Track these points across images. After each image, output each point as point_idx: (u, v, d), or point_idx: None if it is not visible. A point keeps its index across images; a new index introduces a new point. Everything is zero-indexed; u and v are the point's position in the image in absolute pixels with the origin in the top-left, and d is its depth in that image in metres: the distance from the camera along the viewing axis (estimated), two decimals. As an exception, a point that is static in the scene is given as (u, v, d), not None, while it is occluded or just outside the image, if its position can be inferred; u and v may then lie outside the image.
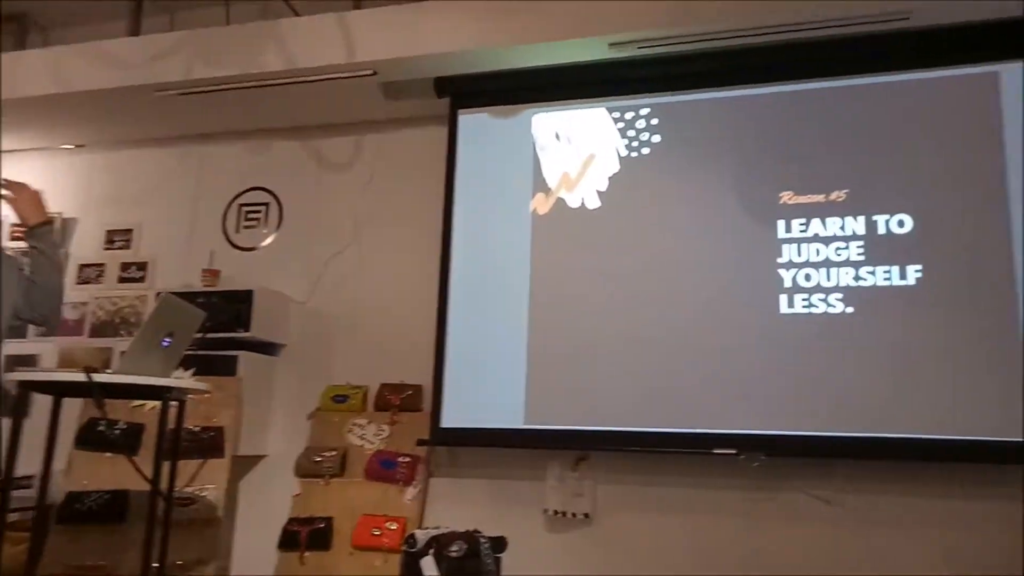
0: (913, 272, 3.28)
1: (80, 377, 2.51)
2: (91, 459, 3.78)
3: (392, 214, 4.25)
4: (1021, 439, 3.04)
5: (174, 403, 2.93)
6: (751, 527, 3.38)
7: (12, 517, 3.70)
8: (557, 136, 3.89)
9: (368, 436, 3.87)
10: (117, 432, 3.76)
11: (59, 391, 2.88)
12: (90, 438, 3.77)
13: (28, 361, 4.54)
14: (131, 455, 3.49)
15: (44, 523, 3.37)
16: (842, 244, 3.38)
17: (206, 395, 3.63)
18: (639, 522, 3.51)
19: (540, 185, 3.85)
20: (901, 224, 3.34)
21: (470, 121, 4.03)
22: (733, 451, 3.28)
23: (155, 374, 2.71)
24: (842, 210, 3.41)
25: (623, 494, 3.55)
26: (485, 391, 3.69)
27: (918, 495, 3.24)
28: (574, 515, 3.54)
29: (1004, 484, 3.16)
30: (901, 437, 3.16)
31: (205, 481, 3.70)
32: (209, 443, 3.77)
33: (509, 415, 3.63)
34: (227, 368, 3.92)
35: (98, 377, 2.53)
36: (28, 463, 2.83)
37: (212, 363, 3.87)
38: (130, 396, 3.45)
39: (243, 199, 4.53)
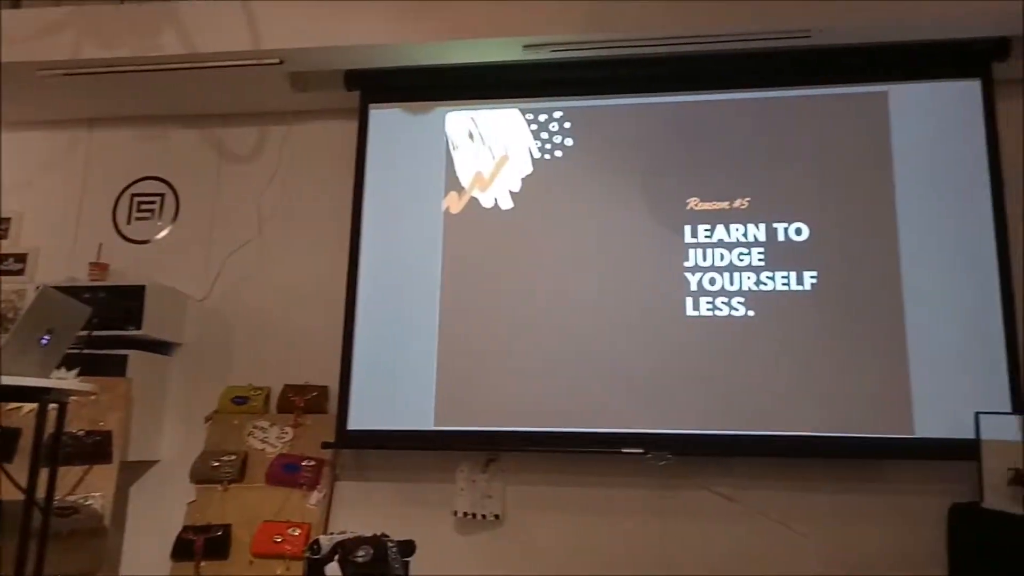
0: (809, 278, 3.41)
1: None
2: (-42, 467, 3.46)
3: (298, 209, 4.08)
4: (906, 436, 3.21)
5: (54, 405, 2.72)
6: (658, 524, 3.43)
7: None
8: (471, 135, 3.83)
9: (270, 439, 3.69)
10: (-11, 437, 3.45)
11: None
12: (-43, 444, 3.46)
13: None
14: (3, 462, 3.24)
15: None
16: (744, 250, 3.48)
17: (91, 397, 3.39)
18: (549, 522, 3.50)
19: (453, 184, 3.79)
20: (799, 232, 3.47)
21: (382, 116, 3.92)
22: (641, 450, 3.32)
23: (32, 374, 2.51)
24: (745, 217, 3.51)
25: (533, 495, 3.53)
26: (393, 392, 3.59)
27: (814, 490, 3.37)
28: (484, 517, 3.50)
29: (889, 479, 3.33)
30: (798, 435, 3.28)
31: (90, 489, 3.45)
32: (94, 448, 3.52)
33: (418, 416, 3.55)
34: (116, 368, 3.66)
35: None
36: None
37: (99, 363, 3.60)
38: (4, 398, 3.18)
39: (136, 189, 4.24)
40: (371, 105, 3.92)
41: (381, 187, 3.83)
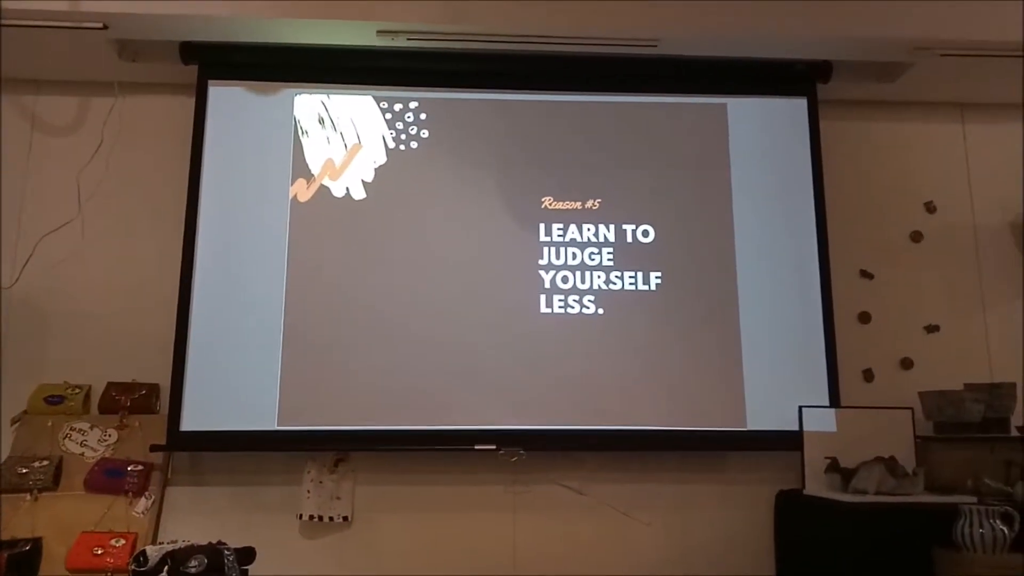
0: (654, 278, 3.40)
1: None
2: None
3: (126, 190, 3.55)
4: (739, 428, 3.28)
5: None
6: (510, 520, 3.31)
7: None
8: (321, 120, 3.49)
9: (91, 443, 3.20)
10: None
11: None
12: None
13: None
14: None
15: None
16: (595, 250, 3.41)
17: None
18: (402, 522, 3.28)
19: (301, 170, 3.44)
20: (646, 234, 3.44)
21: (223, 94, 3.48)
22: (493, 447, 3.17)
23: None
24: (596, 218, 3.44)
25: (384, 494, 3.29)
26: (233, 390, 3.21)
27: (658, 481, 3.38)
28: (332, 519, 3.21)
29: (727, 470, 3.40)
30: (644, 429, 3.26)
31: None
32: None
33: (261, 416, 3.19)
34: (-101, 363, 3.04)
35: None
36: None
37: None
38: None
39: (-74, 158, 3.55)
40: (211, 81, 3.47)
41: (221, 169, 3.41)
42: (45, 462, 3.13)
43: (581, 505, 3.34)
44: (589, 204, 3.46)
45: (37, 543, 3.01)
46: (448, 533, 3.29)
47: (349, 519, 3.24)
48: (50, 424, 3.22)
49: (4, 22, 3.10)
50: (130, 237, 3.52)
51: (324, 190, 3.43)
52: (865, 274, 3.66)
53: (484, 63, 3.48)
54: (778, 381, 3.33)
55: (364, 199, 3.42)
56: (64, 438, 3.21)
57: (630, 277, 3.39)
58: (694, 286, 3.40)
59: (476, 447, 3.18)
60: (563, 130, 3.52)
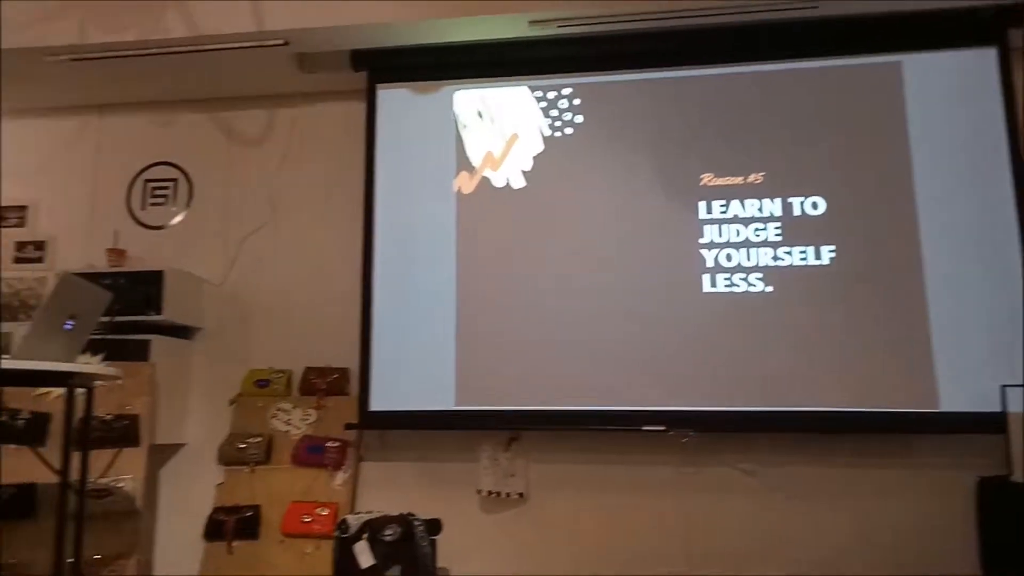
0: (827, 252, 3.19)
1: None
2: (-7, 452, 3.31)
3: (310, 191, 3.83)
4: (930, 410, 3.03)
5: (81, 390, 2.56)
6: (680, 501, 3.28)
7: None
8: (480, 114, 3.57)
9: (294, 421, 3.52)
10: (20, 422, 3.30)
11: None
12: (-10, 429, 3.31)
13: (-87, 349, 3.91)
14: (36, 446, 3.09)
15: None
16: (760, 225, 3.26)
17: (117, 381, 3.23)
18: (573, 500, 3.35)
19: (464, 164, 3.54)
20: (815, 206, 3.24)
21: (390, 96, 3.65)
22: (662, 428, 3.14)
23: (57, 359, 2.35)
24: (760, 192, 3.28)
25: (556, 473, 3.37)
26: (414, 373, 3.40)
27: (837, 465, 3.20)
28: (508, 495, 3.34)
29: (915, 454, 3.16)
30: (820, 410, 3.09)
31: (121, 472, 3.30)
32: (123, 432, 3.36)
33: (439, 396, 3.36)
34: (139, 353, 3.47)
35: None
36: None
37: (123, 348, 3.42)
38: (31, 383, 3.00)
39: (149, 174, 3.98)
40: (379, 85, 3.65)
41: (392, 168, 3.59)
42: (258, 439, 3.48)
43: (755, 488, 3.23)
44: (752, 178, 3.30)
45: (256, 510, 3.37)
46: (619, 512, 3.31)
47: (524, 495, 3.35)
48: (260, 405, 3.57)
49: (201, 48, 3.42)
50: (316, 235, 3.79)
51: (485, 181, 3.51)
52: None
53: (635, 43, 3.40)
54: (972, 359, 3.03)
55: (524, 188, 3.47)
56: (272, 417, 3.55)
57: (800, 252, 3.21)
58: (872, 258, 3.16)
59: (644, 428, 3.17)
60: (721, 104, 3.37)
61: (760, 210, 3.27)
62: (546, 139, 3.49)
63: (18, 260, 4.02)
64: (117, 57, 3.49)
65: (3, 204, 4.06)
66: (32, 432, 3.27)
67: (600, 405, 3.24)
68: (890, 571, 3.08)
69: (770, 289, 3.20)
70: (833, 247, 3.19)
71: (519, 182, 3.48)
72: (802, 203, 3.24)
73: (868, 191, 3.21)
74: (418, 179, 3.56)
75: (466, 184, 3.53)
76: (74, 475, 2.61)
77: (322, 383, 3.54)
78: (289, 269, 3.78)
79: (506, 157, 3.51)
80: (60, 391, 3.30)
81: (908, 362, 3.07)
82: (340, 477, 3.41)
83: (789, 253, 3.21)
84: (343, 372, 3.58)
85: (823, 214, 3.22)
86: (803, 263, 3.20)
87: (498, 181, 3.50)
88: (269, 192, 3.85)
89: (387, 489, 3.45)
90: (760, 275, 3.22)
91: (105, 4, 3.42)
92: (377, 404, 3.42)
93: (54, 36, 3.44)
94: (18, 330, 3.90)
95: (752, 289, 3.21)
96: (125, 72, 3.66)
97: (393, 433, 3.51)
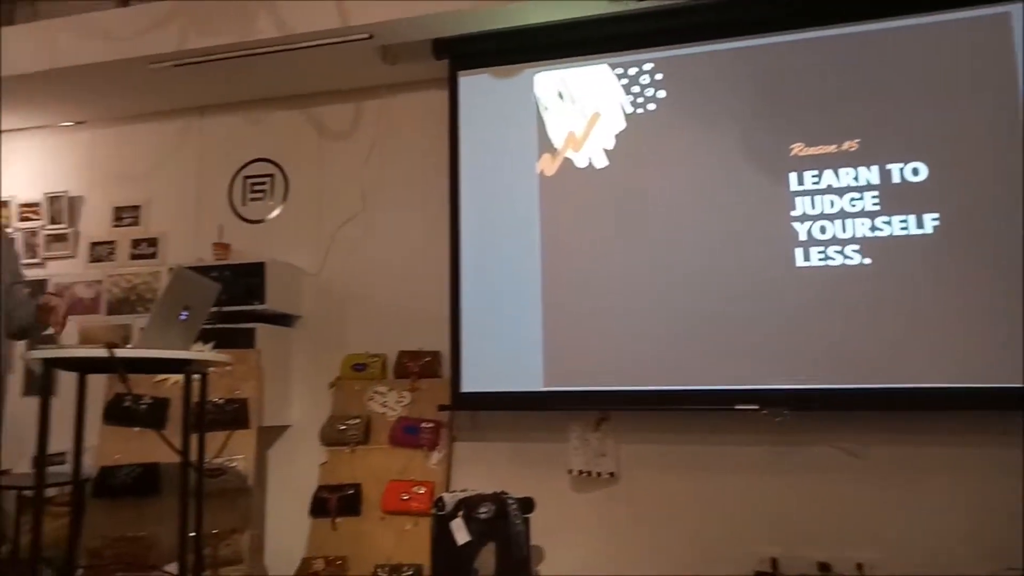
0: (930, 221, 3.01)
1: (102, 353, 2.33)
2: (119, 434, 3.59)
3: (398, 180, 3.93)
4: (1040, 386, 2.84)
5: (197, 376, 2.74)
6: (777, 481, 3.20)
7: (49, 493, 3.56)
8: (560, 95, 3.55)
9: (390, 403, 3.64)
10: (143, 407, 3.57)
11: (83, 368, 2.72)
12: (117, 414, 3.60)
13: (48, 341, 4.26)
14: (158, 429, 3.31)
15: (81, 498, 3.21)
16: (857, 195, 3.11)
17: (227, 367, 3.43)
18: (664, 480, 3.33)
19: (546, 145, 3.54)
20: (916, 172, 3.06)
21: (471, 83, 3.68)
22: (756, 407, 3.06)
23: (175, 347, 2.52)
24: (855, 160, 3.13)
25: (647, 453, 3.36)
26: (503, 355, 3.46)
27: (936, 444, 3.05)
28: (599, 474, 3.36)
29: (1018, 431, 2.94)
30: (919, 387, 2.94)
31: (233, 452, 3.52)
32: (234, 415, 3.57)
33: (528, 378, 3.40)
34: (245, 341, 3.68)
35: (120, 352, 2.34)
36: (59, 440, 2.68)
37: (230, 336, 3.64)
38: (153, 370, 3.26)
39: (247, 171, 4.19)
40: (460, 72, 3.70)
41: (476, 153, 3.63)
42: (357, 420, 3.62)
43: (854, 468, 3.11)
44: (846, 146, 3.14)
45: (357, 488, 3.52)
46: (712, 492, 3.27)
47: (615, 475, 3.35)
48: (357, 388, 3.72)
49: (291, 47, 3.55)
50: (405, 222, 3.89)
51: (568, 162, 3.50)
52: None
53: (717, 12, 3.30)
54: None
55: (607, 167, 3.44)
56: (368, 400, 3.69)
57: (900, 221, 3.04)
58: (980, 226, 2.96)
59: (737, 407, 3.10)
60: (808, 71, 3.23)
61: (856, 179, 3.12)
62: (628, 116, 3.44)
63: (134, 256, 4.32)
64: (215, 60, 3.67)
65: (119, 205, 4.37)
66: (154, 416, 3.52)
67: (690, 384, 3.19)
68: (998, 555, 2.89)
69: (868, 261, 3.05)
70: (936, 215, 3.01)
71: (601, 161, 3.45)
72: (901, 169, 3.07)
73: (974, 154, 3.00)
74: (501, 163, 3.59)
75: (548, 166, 3.53)
76: (192, 456, 2.79)
77: (415, 366, 3.65)
78: (380, 256, 3.90)
79: (588, 137, 3.49)
80: (177, 377, 3.54)
81: (1018, 335, 2.86)
82: (435, 457, 3.51)
83: (888, 223, 3.05)
84: (435, 355, 3.67)
85: (925, 180, 3.04)
86: (904, 233, 3.03)
87: (580, 161, 3.48)
88: (359, 183, 3.97)
89: (480, 468, 3.52)
90: (857, 247, 3.08)
91: (202, 11, 3.61)
92: (468, 386, 3.49)
93: (157, 44, 3.65)
94: (136, 322, 4.21)
95: (849, 262, 3.08)
96: (222, 74, 3.84)
97: (484, 414, 3.58)
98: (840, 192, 3.13)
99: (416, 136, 3.92)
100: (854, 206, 3.11)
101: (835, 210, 3.12)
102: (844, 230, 3.10)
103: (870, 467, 3.10)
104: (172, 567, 3.13)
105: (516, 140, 3.58)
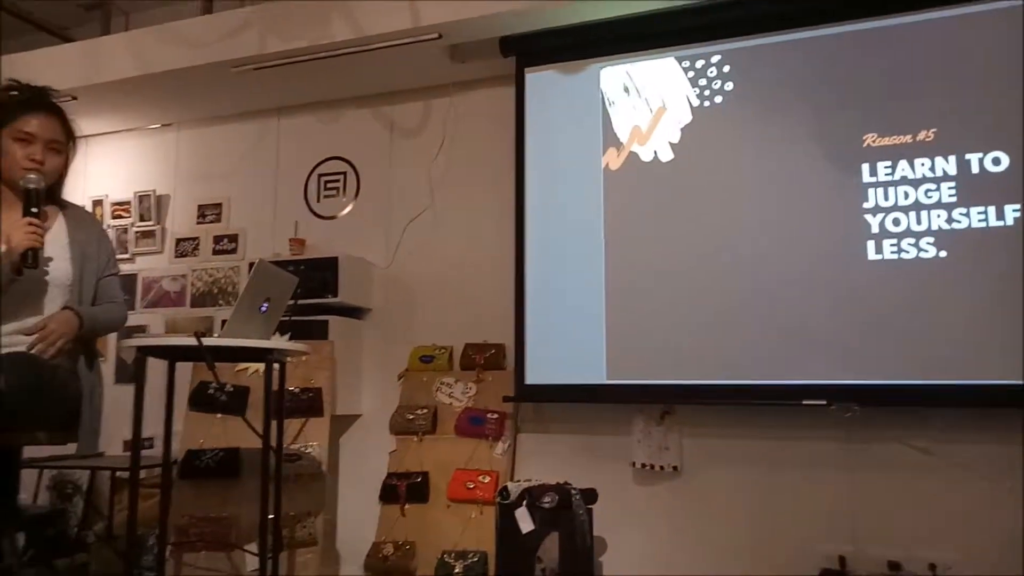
0: (1011, 212, 2.91)
1: (191, 341, 2.48)
2: (203, 420, 3.79)
3: (465, 176, 4.03)
4: None
5: (276, 365, 2.87)
6: (846, 478, 3.13)
7: (139, 474, 3.81)
8: (626, 89, 3.58)
9: (456, 394, 3.75)
10: (226, 395, 3.74)
11: (172, 356, 2.89)
12: (201, 400, 3.80)
13: (137, 331, 4.55)
14: (240, 415, 3.48)
15: (170, 479, 3.42)
16: (932, 186, 3.03)
17: (304, 357, 3.58)
18: (728, 474, 3.32)
19: (611, 140, 3.57)
20: (996, 162, 2.96)
21: (537, 79, 3.75)
22: (823, 402, 3.02)
23: (257, 338, 2.65)
24: (931, 150, 3.04)
25: (711, 447, 3.35)
26: (566, 347, 3.51)
27: (1015, 442, 2.93)
28: (662, 468, 3.37)
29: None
30: (997, 384, 2.85)
31: (308, 439, 3.68)
32: (308, 403, 3.73)
33: (592, 371, 3.44)
34: (319, 332, 3.84)
35: (207, 341, 2.48)
36: (147, 425, 2.80)
37: (305, 328, 3.80)
38: (236, 359, 3.47)
39: (321, 169, 4.37)
40: (527, 69, 3.76)
41: (541, 149, 3.69)
42: (424, 410, 3.74)
43: (927, 465, 3.04)
44: (921, 136, 3.06)
45: (425, 476, 3.63)
46: (778, 487, 3.24)
47: (678, 469, 3.36)
48: (425, 379, 3.84)
49: (363, 48, 3.68)
50: (472, 217, 3.99)
51: (633, 156, 3.52)
52: None
53: (784, 3, 3.28)
54: None
55: (672, 160, 3.45)
56: (436, 390, 3.80)
57: (979, 213, 2.95)
58: (1066, 217, 2.85)
59: (804, 402, 3.06)
60: (881, 60, 3.15)
61: (932, 169, 3.03)
62: (694, 109, 3.44)
63: (216, 252, 4.56)
64: (293, 63, 3.85)
65: (202, 202, 4.62)
66: (235, 403, 3.70)
67: (757, 379, 3.17)
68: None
69: (943, 254, 2.97)
70: (1017, 206, 2.89)
71: (667, 155, 3.46)
72: (981, 159, 2.97)
73: (1061, 141, 2.89)
74: (566, 158, 3.64)
75: (613, 160, 3.56)
76: (272, 441, 2.93)
77: (480, 358, 3.74)
78: (448, 251, 4.01)
79: (654, 130, 3.50)
80: (256, 367, 3.73)
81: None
82: (500, 447, 3.59)
83: (966, 215, 2.96)
84: (499, 347, 3.75)
85: (1006, 170, 2.94)
86: (982, 225, 2.94)
87: (646, 155, 3.50)
88: (428, 179, 4.09)
89: (544, 460, 3.58)
90: (932, 239, 3.00)
91: (279, 16, 3.78)
92: (532, 378, 3.55)
93: (238, 49, 3.85)
94: (218, 314, 4.45)
95: (924, 255, 3.00)
96: (298, 76, 4.02)
97: (548, 406, 3.65)
98: (915, 183, 3.05)
99: (483, 133, 4.01)
100: (929, 197, 3.02)
101: (909, 202, 3.05)
102: (919, 222, 3.02)
103: (944, 465, 3.02)
104: (252, 546, 3.32)
105: (581, 135, 3.62)
